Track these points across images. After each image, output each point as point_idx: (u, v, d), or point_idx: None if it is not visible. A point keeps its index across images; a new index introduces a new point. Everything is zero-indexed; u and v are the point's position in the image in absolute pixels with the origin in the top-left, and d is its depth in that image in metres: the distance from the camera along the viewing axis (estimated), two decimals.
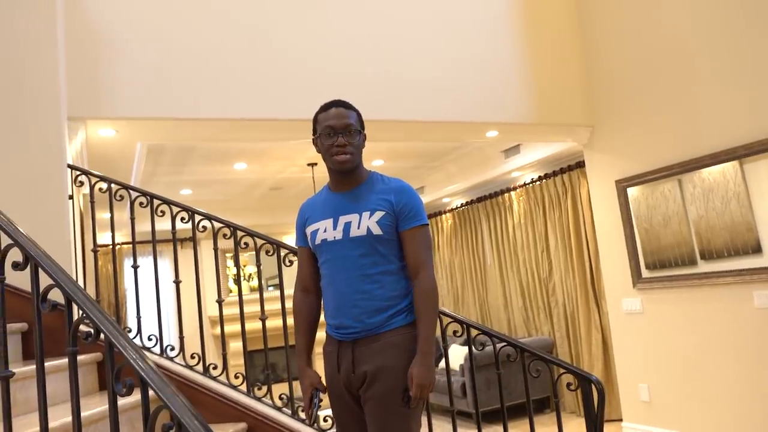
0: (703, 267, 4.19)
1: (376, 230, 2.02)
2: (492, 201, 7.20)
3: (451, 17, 4.52)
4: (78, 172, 3.37)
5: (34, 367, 2.36)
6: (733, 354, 4.06)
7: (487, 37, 4.63)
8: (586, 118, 5.00)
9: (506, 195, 6.95)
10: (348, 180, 2.12)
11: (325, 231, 2.10)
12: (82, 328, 1.52)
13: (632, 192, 4.71)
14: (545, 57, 4.85)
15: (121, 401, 2.46)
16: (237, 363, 7.41)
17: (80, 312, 1.52)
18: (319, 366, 7.53)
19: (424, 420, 2.99)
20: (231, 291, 8.67)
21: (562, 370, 2.72)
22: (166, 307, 3.31)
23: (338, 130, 2.06)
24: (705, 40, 4.14)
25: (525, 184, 6.58)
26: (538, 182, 6.39)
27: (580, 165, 5.65)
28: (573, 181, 5.90)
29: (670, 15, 4.37)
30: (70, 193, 3.29)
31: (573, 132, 5.08)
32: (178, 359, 3.18)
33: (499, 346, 2.80)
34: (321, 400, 2.12)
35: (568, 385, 2.68)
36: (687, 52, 4.26)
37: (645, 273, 4.64)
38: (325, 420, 2.97)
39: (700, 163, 4.17)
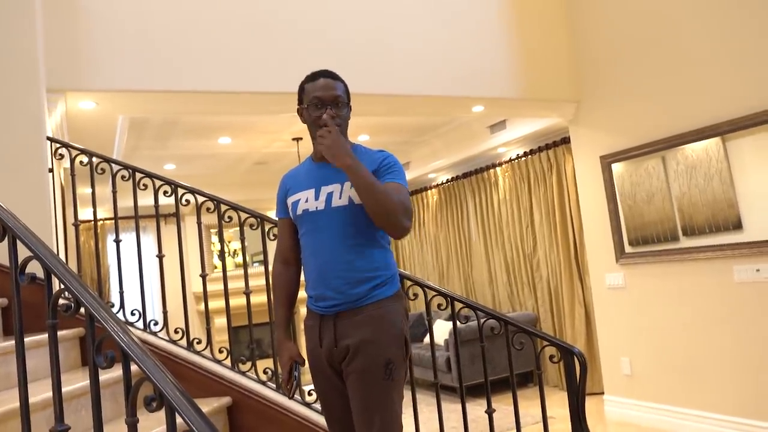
0: (685, 243, 4.23)
1: (358, 199, 1.98)
2: (477, 177, 7.19)
3: None
4: (58, 145, 3.32)
5: (13, 342, 2.34)
6: (714, 328, 4.12)
7: (474, 10, 4.59)
8: (572, 93, 5.00)
9: (492, 171, 6.95)
10: None
11: (306, 201, 2.07)
12: (62, 301, 1.49)
13: (617, 168, 4.73)
14: (532, 32, 4.82)
15: (104, 376, 2.45)
16: (222, 339, 7.41)
17: (60, 284, 1.50)
18: (300, 342, 7.56)
19: (408, 394, 3.01)
20: (216, 267, 8.63)
21: (545, 343, 2.74)
22: (149, 283, 3.28)
23: (326, 102, 2.03)
24: (691, 17, 4.13)
25: (510, 160, 6.58)
26: (523, 158, 6.39)
27: (566, 141, 5.66)
28: (558, 157, 5.91)
29: None
30: (50, 167, 3.24)
31: (559, 107, 5.07)
32: (162, 334, 3.16)
33: (483, 319, 2.81)
34: (300, 373, 2.11)
35: (551, 357, 2.70)
36: (673, 28, 4.25)
37: (628, 248, 4.68)
38: (309, 394, 2.98)
39: (684, 139, 4.18)
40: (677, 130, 4.24)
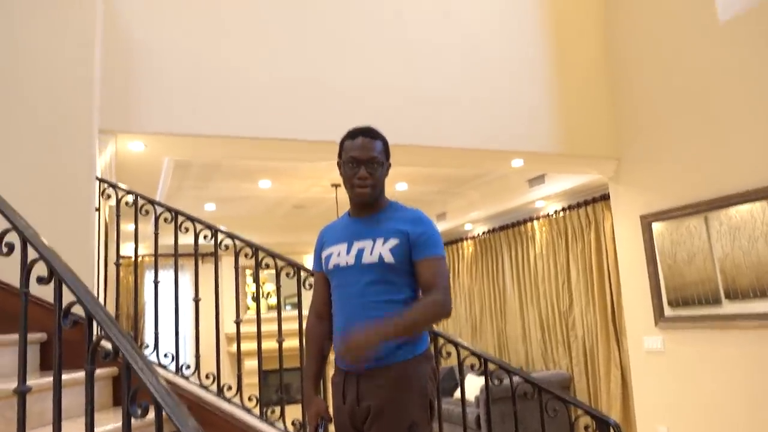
0: (728, 306, 4.11)
1: (388, 258, 1.99)
2: (514, 230, 7.15)
3: (480, 44, 4.54)
4: (106, 185, 3.42)
5: (49, 380, 2.37)
6: (756, 401, 3.95)
7: (515, 65, 4.64)
8: (612, 150, 4.97)
9: (529, 224, 6.90)
10: (367, 207, 2.11)
11: (338, 255, 2.08)
12: (101, 344, 1.52)
13: (657, 227, 4.65)
14: (573, 88, 4.84)
15: (136, 422, 2.45)
16: (251, 382, 7.39)
17: (100, 330, 1.52)
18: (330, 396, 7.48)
19: None
20: (249, 307, 8.68)
21: (580, 411, 2.67)
22: (183, 324, 3.32)
23: (361, 162, 2.05)
24: (735, 76, 4.10)
25: (548, 215, 6.53)
26: (561, 213, 6.34)
27: (605, 198, 5.60)
28: (597, 213, 5.84)
29: (699, 48, 4.33)
30: (97, 206, 3.33)
31: (599, 164, 5.04)
32: (193, 378, 3.17)
33: (516, 381, 2.75)
34: (327, 430, 2.09)
35: (586, 427, 2.62)
36: (716, 86, 4.22)
37: (668, 311, 4.56)
38: None
39: (728, 201, 4.10)
40: (720, 193, 4.16)
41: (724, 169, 4.17)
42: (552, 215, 6.47)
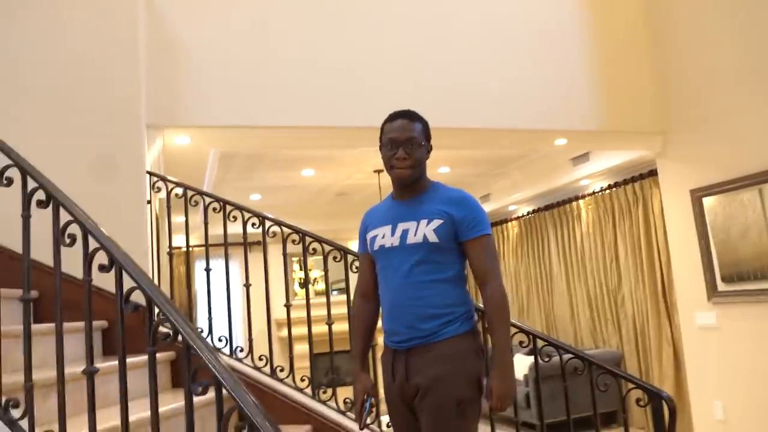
0: None
1: (433, 238, 2.02)
2: (559, 209, 7.07)
3: (519, 25, 4.48)
4: (156, 178, 3.52)
5: (113, 363, 2.48)
6: None
7: (555, 43, 4.57)
8: (657, 125, 4.85)
9: (574, 203, 6.81)
10: (409, 189, 2.14)
11: (383, 237, 2.12)
12: (160, 329, 1.60)
13: (708, 202, 4.54)
14: (615, 63, 4.74)
15: (194, 400, 2.55)
16: (301, 365, 7.52)
17: (159, 313, 1.59)
18: (380, 373, 7.57)
19: (487, 430, 2.97)
20: (296, 294, 8.82)
21: (631, 385, 2.65)
22: (234, 309, 3.42)
23: (399, 143, 2.08)
24: None
25: (594, 193, 6.44)
26: (607, 191, 6.24)
27: (653, 173, 5.49)
28: (645, 190, 5.73)
29: (745, 14, 4.19)
30: (149, 199, 3.44)
31: (644, 140, 4.93)
32: (247, 360, 3.27)
33: (565, 357, 2.75)
34: (373, 406, 2.14)
35: (638, 400, 2.61)
36: (765, 54, 4.07)
37: (721, 286, 4.46)
38: (388, 426, 2.99)
39: None
40: None
41: None
42: (598, 193, 6.38)
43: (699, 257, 4.62)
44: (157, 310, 1.59)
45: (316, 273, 9.20)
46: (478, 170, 7.12)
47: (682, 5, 4.68)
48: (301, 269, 8.67)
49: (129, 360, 2.63)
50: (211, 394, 1.49)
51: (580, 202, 6.70)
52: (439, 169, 6.74)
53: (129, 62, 3.50)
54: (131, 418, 2.22)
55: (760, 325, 4.19)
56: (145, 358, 1.72)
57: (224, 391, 1.45)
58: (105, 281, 2.09)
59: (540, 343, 2.80)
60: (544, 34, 4.54)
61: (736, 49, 4.29)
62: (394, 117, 2.14)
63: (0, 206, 2.49)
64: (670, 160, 4.88)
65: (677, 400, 5.25)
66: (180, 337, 1.53)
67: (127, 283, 1.68)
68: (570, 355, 2.77)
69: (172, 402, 2.56)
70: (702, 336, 4.64)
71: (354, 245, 2.58)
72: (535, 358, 2.84)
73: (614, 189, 6.13)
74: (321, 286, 9.14)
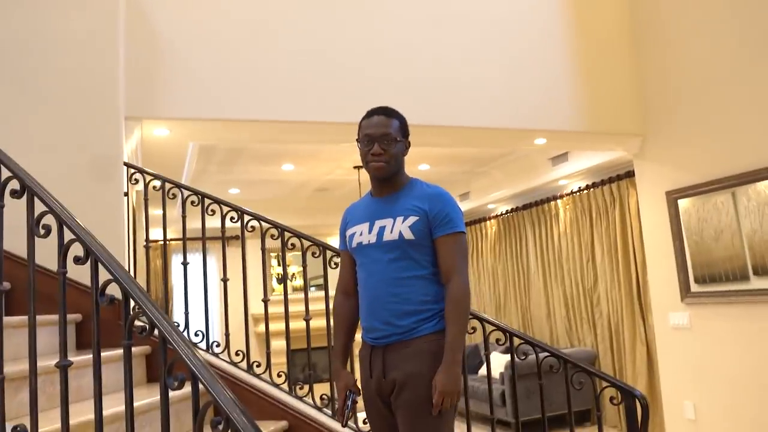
0: (756, 283, 4.07)
1: (408, 235, 2.04)
2: (538, 209, 7.12)
3: (501, 24, 4.50)
4: (133, 170, 3.48)
5: (87, 357, 2.45)
6: None
7: (537, 43, 4.60)
8: (636, 127, 4.91)
9: (552, 203, 6.87)
10: (387, 186, 2.15)
11: (361, 234, 2.14)
12: (136, 322, 1.58)
13: (683, 204, 4.61)
14: (596, 64, 4.79)
15: (170, 394, 2.52)
16: (279, 361, 7.49)
17: (136, 307, 1.58)
18: (358, 370, 7.58)
19: (463, 427, 2.99)
20: (274, 289, 8.79)
21: (605, 384, 2.68)
22: (212, 304, 3.39)
23: (375, 139, 2.09)
24: (762, 50, 4.02)
25: (572, 193, 6.50)
26: (585, 191, 6.30)
27: (630, 175, 5.55)
28: (622, 190, 5.80)
29: (727, 21, 4.26)
30: (126, 191, 3.40)
31: (623, 141, 4.99)
32: (223, 355, 3.25)
33: (541, 356, 2.78)
34: (355, 402, 2.14)
35: (611, 399, 2.64)
36: (744, 60, 4.14)
37: (694, 287, 4.53)
38: (364, 422, 2.99)
39: (757, 176, 4.05)
40: (749, 167, 4.11)
41: (752, 143, 4.11)
42: (576, 193, 6.44)
43: (673, 258, 4.69)
44: (133, 304, 1.58)
45: (294, 269, 9.18)
46: (459, 168, 7.15)
47: (665, 10, 4.74)
48: (279, 265, 8.63)
49: (104, 354, 2.60)
50: (186, 389, 1.48)
51: (558, 201, 6.76)
52: (419, 166, 6.76)
53: (107, 52, 3.45)
54: (105, 412, 2.20)
55: (731, 325, 4.26)
56: (119, 351, 1.70)
57: (200, 386, 1.44)
58: (80, 273, 2.07)
59: (516, 341, 2.82)
60: (527, 35, 4.57)
61: (715, 55, 4.36)
62: (371, 113, 2.16)
63: None
64: (648, 162, 4.94)
65: (650, 398, 5.33)
66: (156, 331, 1.51)
67: (103, 275, 1.67)
68: (546, 354, 2.79)
69: (147, 396, 2.54)
70: (675, 336, 4.71)
71: (333, 241, 2.58)
72: (512, 356, 2.86)
73: (592, 189, 6.19)
74: (299, 281, 9.12)
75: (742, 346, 4.19)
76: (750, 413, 4.14)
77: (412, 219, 2.05)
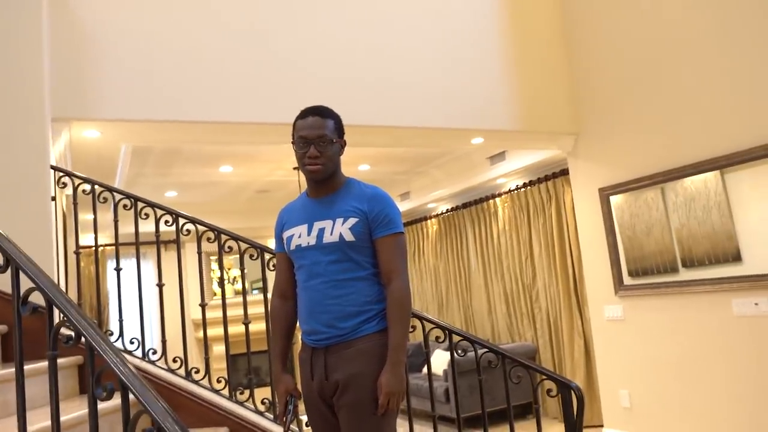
0: (685, 275, 4.24)
1: (349, 236, 2.02)
2: (477, 207, 7.23)
3: (439, 25, 4.55)
4: (61, 174, 3.35)
5: (12, 370, 2.34)
6: (713, 361, 4.11)
7: (474, 44, 4.67)
8: (570, 126, 5.05)
9: (491, 201, 6.98)
10: (324, 187, 2.12)
11: (299, 236, 2.11)
12: (63, 331, 1.51)
13: (615, 200, 4.76)
14: (531, 65, 4.90)
15: (102, 405, 2.44)
16: (220, 367, 7.37)
17: (61, 315, 1.51)
18: (298, 373, 7.51)
19: (406, 425, 3.00)
20: (215, 294, 8.63)
21: (543, 377, 2.74)
22: (148, 310, 3.30)
23: (310, 141, 2.05)
24: (689, 51, 4.20)
25: (510, 191, 6.62)
26: (522, 189, 6.43)
27: (565, 172, 5.70)
28: (557, 188, 5.94)
29: (654, 25, 4.43)
30: (53, 195, 3.27)
31: (557, 140, 5.12)
32: (161, 363, 3.16)
33: (480, 352, 2.81)
34: (296, 406, 2.12)
35: (549, 391, 2.70)
36: (671, 62, 4.32)
37: (627, 280, 4.69)
38: (306, 425, 2.97)
39: (683, 172, 4.22)
40: (676, 164, 4.29)
41: (678, 141, 4.29)
42: (514, 191, 6.56)
43: (607, 253, 4.84)
44: (57, 312, 1.51)
45: (235, 272, 9.02)
46: (399, 168, 7.17)
47: (595, 10, 4.89)
48: (219, 267, 8.48)
49: (31, 366, 2.50)
50: (117, 399, 1.43)
51: (497, 200, 6.87)
52: (359, 166, 6.75)
53: (31, 50, 3.31)
54: (34, 427, 2.12)
55: (662, 316, 4.43)
56: (47, 363, 1.62)
57: (131, 396, 1.39)
58: (4, 282, 1.98)
59: (456, 338, 2.85)
60: (463, 34, 4.63)
61: (643, 56, 4.52)
62: (305, 114, 2.11)
63: None
64: (581, 160, 5.09)
65: (588, 389, 5.48)
66: (83, 339, 1.45)
67: (26, 283, 1.59)
68: (484, 350, 2.83)
69: (77, 409, 2.44)
70: (610, 328, 4.87)
71: (273, 243, 2.54)
72: (451, 353, 2.88)
73: (529, 187, 6.32)
74: (240, 285, 8.97)
75: (673, 335, 4.36)
76: (680, 398, 4.32)
77: (352, 221, 2.04)
